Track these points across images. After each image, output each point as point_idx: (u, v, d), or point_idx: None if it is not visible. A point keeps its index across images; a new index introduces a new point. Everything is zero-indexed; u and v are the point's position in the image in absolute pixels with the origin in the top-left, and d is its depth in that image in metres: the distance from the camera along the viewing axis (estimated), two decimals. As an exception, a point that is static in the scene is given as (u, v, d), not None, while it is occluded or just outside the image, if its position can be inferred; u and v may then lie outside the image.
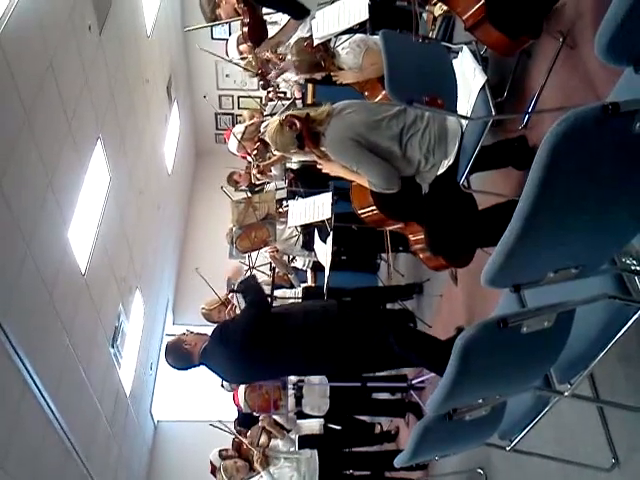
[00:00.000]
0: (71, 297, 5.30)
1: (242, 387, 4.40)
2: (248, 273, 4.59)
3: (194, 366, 3.30)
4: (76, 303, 5.41)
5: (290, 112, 2.80)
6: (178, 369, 3.37)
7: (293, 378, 4.58)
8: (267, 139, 2.94)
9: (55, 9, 4.93)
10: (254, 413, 4.42)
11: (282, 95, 5.77)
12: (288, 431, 4.68)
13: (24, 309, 4.43)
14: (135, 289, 7.27)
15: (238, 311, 4.17)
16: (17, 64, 4.24)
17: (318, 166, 2.91)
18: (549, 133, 1.01)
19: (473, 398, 1.82)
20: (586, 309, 1.57)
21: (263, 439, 4.49)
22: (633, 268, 1.65)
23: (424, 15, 3.42)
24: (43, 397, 4.74)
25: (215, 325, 3.43)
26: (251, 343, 3.12)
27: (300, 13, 3.61)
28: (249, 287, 3.31)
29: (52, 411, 4.91)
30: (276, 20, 4.60)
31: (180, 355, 3.28)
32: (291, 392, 4.50)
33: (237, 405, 4.67)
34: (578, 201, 1.13)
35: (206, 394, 8.04)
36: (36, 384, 4.61)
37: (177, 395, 8.93)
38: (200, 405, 8.56)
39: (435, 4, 2.71)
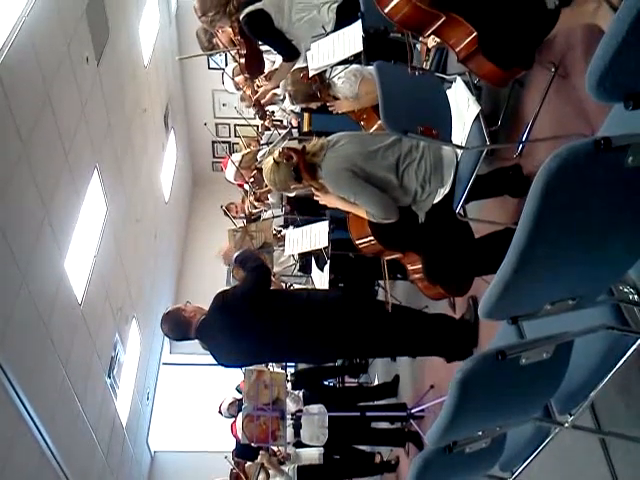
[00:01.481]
0: (67, 328, 5.27)
1: (240, 418, 4.35)
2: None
3: (188, 338, 3.25)
4: (72, 333, 5.38)
5: (286, 145, 2.82)
6: (172, 339, 3.37)
7: (292, 407, 4.54)
8: (266, 181, 2.95)
9: (53, 42, 4.99)
10: (252, 444, 4.37)
11: (278, 124, 5.82)
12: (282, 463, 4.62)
13: (19, 340, 4.40)
14: (132, 318, 7.24)
15: None
16: (14, 96, 4.28)
17: (315, 198, 2.92)
18: (542, 168, 1.02)
19: (473, 430, 1.80)
20: (585, 339, 1.57)
21: (261, 477, 4.43)
22: (631, 297, 1.65)
23: (418, 46, 3.47)
24: (38, 429, 4.69)
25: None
26: (251, 309, 3.09)
27: (291, 55, 3.68)
28: (248, 257, 3.30)
29: (47, 443, 4.85)
30: (270, 49, 4.66)
31: (177, 323, 3.22)
32: (289, 422, 4.44)
33: (235, 436, 4.61)
34: (573, 235, 1.13)
35: (204, 424, 7.96)
36: (31, 416, 4.56)
37: (174, 425, 8.84)
38: (197, 435, 8.46)
39: (428, 36, 2.75)
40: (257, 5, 3.46)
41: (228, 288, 3.35)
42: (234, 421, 4.73)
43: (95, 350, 5.95)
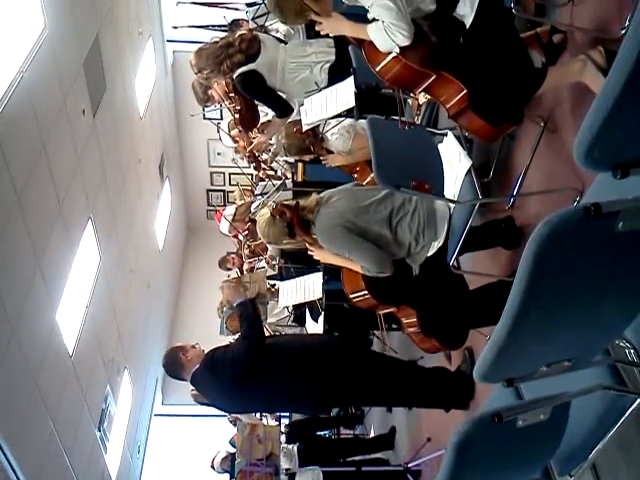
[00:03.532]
0: (57, 380, 5.17)
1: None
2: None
3: (181, 379, 3.30)
4: (62, 386, 5.28)
5: (280, 202, 2.84)
6: (166, 372, 3.42)
7: (284, 464, 4.43)
8: (259, 233, 2.96)
9: (50, 95, 5.06)
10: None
11: (272, 174, 5.86)
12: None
13: (6, 393, 4.31)
14: (123, 369, 7.13)
15: None
16: (10, 147, 4.31)
17: (309, 253, 2.92)
18: (533, 235, 1.03)
19: (471, 493, 1.75)
20: (583, 399, 1.55)
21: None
22: (628, 355, 1.64)
23: (409, 101, 3.53)
24: (23, 486, 4.55)
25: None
26: (242, 376, 3.12)
27: (284, 112, 3.75)
28: (246, 314, 3.27)
29: (32, 502, 4.69)
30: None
31: (173, 363, 3.30)
32: (284, 480, 4.32)
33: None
34: (566, 299, 1.13)
35: (196, 477, 7.75)
36: (15, 472, 4.42)
37: (166, 479, 8.60)
38: (189, 490, 8.23)
39: (419, 93, 2.81)
40: (250, 66, 3.53)
41: (220, 347, 3.33)
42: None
43: (85, 403, 5.83)
